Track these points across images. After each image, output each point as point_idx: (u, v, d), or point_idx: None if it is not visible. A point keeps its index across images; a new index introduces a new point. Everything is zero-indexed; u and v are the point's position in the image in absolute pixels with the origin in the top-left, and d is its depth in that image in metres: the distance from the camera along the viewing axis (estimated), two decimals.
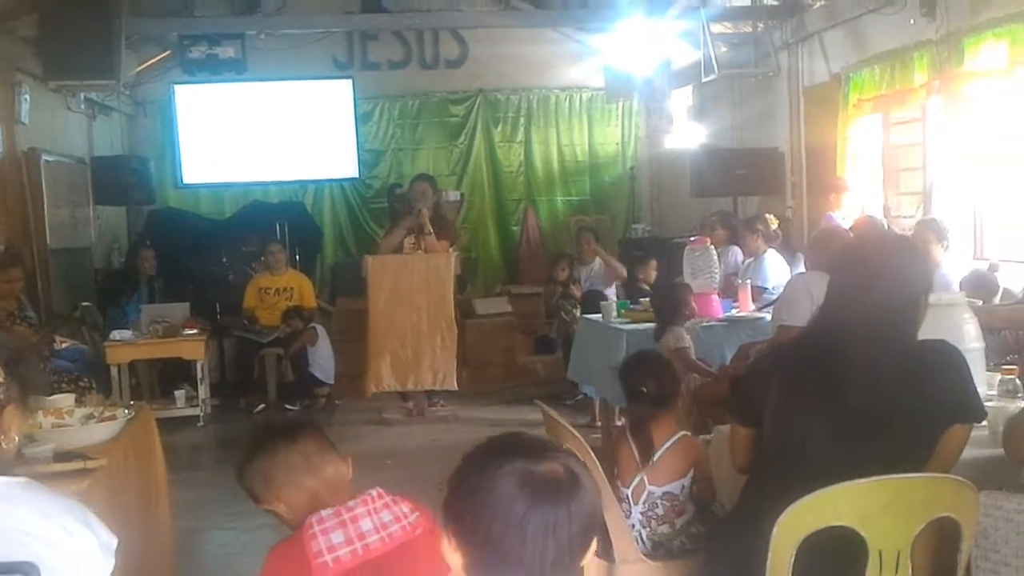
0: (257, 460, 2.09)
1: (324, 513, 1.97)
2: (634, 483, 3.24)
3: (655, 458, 3.22)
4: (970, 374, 2.51)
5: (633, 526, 3.22)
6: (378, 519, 1.99)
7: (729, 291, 6.62)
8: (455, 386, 7.35)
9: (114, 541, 1.75)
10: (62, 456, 2.99)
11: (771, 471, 2.55)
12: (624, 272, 8.04)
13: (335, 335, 8.55)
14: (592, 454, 3.07)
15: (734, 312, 6.22)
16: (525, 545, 1.29)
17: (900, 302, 2.47)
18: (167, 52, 10.42)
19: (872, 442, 2.40)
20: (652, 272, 7.16)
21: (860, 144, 7.54)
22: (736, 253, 7.49)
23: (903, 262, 2.55)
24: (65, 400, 3.66)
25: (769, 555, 2.25)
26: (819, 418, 2.44)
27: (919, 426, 2.43)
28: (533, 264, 11.29)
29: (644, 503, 3.22)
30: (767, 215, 7.64)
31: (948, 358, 2.49)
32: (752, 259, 7.13)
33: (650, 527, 3.22)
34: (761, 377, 2.60)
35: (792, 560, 2.24)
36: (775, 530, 2.23)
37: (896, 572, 2.25)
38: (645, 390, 3.29)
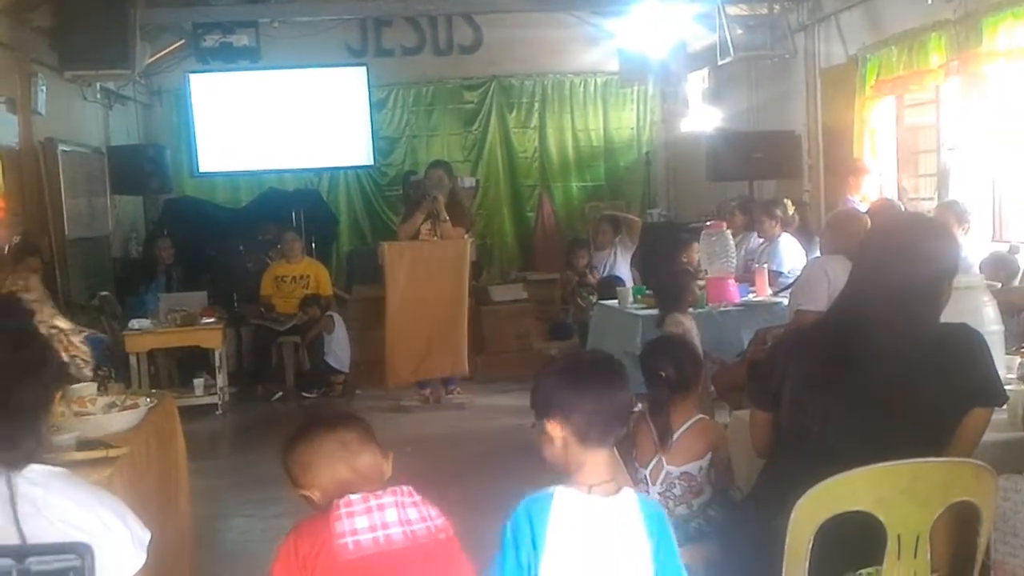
0: (298, 445, 2.10)
1: (353, 497, 1.98)
2: (652, 464, 3.26)
3: (673, 439, 3.23)
4: (991, 358, 2.50)
5: None
6: (404, 514, 1.99)
7: (749, 276, 6.60)
8: (466, 372, 7.40)
9: (147, 536, 1.76)
10: (85, 444, 3.01)
11: (790, 455, 2.54)
12: (639, 221, 8.01)
13: (351, 323, 8.58)
14: None
15: (751, 297, 6.21)
16: (594, 402, 2.06)
17: (925, 283, 2.46)
18: (181, 41, 10.44)
19: (893, 426, 2.39)
20: (695, 255, 7.17)
21: (878, 126, 7.49)
22: (755, 239, 7.46)
23: (930, 242, 2.54)
24: (88, 389, 3.69)
25: (787, 540, 2.25)
26: (839, 401, 2.43)
27: (941, 410, 2.42)
28: (548, 250, 11.28)
29: (662, 483, 3.23)
30: (784, 200, 7.61)
31: (970, 341, 2.48)
32: (767, 243, 7.11)
33: (667, 507, 3.22)
34: (781, 360, 2.60)
35: (810, 545, 2.24)
36: (793, 515, 2.23)
37: (915, 557, 2.24)
38: (664, 374, 3.29)
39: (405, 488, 2.03)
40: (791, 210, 7.50)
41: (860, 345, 2.44)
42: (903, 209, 5.87)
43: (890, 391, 2.40)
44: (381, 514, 1.96)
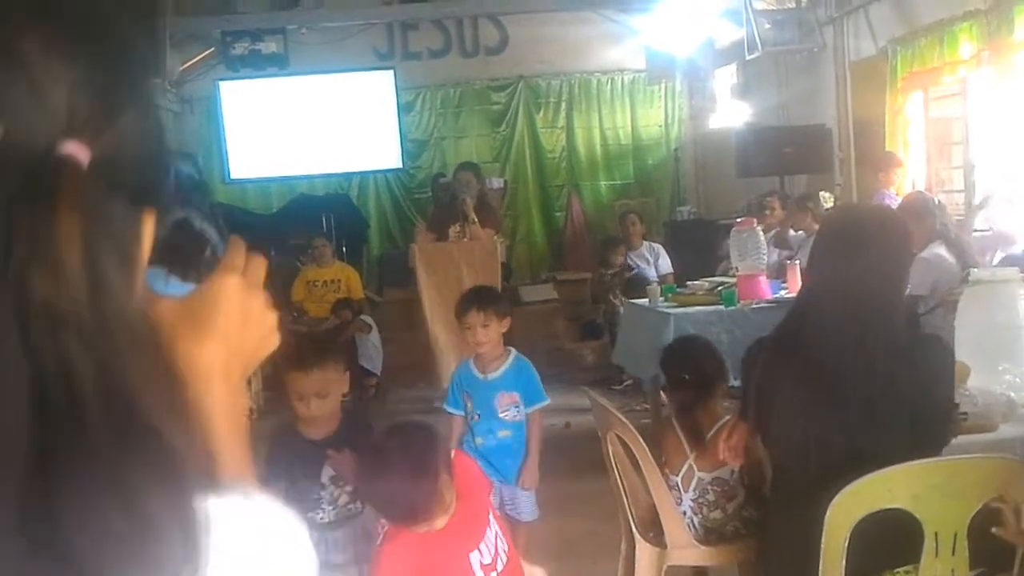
0: None
1: None
2: (683, 470, 3.21)
3: (703, 444, 3.20)
4: (951, 385, 2.45)
5: (685, 513, 3.20)
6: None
7: (782, 272, 6.54)
8: None
9: None
10: None
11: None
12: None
13: (383, 325, 8.61)
14: (640, 439, 3.07)
15: (783, 293, 6.14)
16: None
17: (870, 277, 2.41)
18: (211, 49, 10.54)
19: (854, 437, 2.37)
20: None
21: (910, 118, 7.42)
22: (791, 233, 7.39)
23: (870, 234, 2.49)
24: None
25: (823, 538, 2.24)
26: (798, 412, 2.42)
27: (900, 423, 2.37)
28: (578, 250, 11.26)
29: (694, 490, 3.19)
30: (824, 193, 7.53)
31: (938, 360, 2.43)
32: (807, 236, 7.05)
33: (702, 514, 3.19)
34: (745, 369, 2.63)
35: (846, 543, 2.22)
36: (828, 512, 2.22)
37: (953, 554, 2.22)
38: (688, 377, 3.26)
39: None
40: (830, 202, 7.41)
41: (815, 347, 2.42)
42: (936, 201, 5.79)
43: (847, 398, 2.36)
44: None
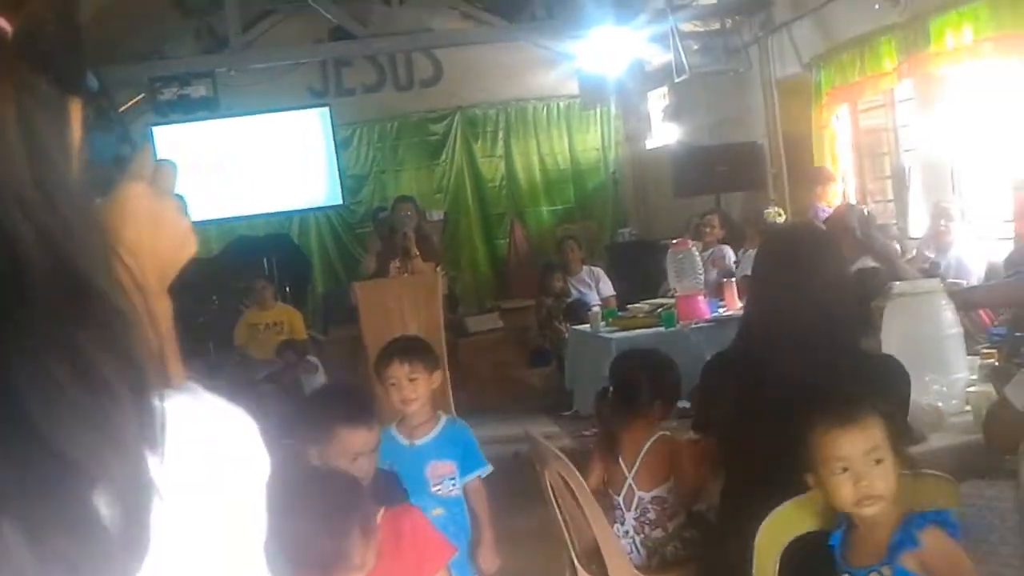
0: None
1: None
2: (624, 490, 3.23)
3: (637, 462, 3.21)
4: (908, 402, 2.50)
5: (627, 532, 3.21)
6: None
7: (719, 290, 6.60)
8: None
9: None
10: None
11: (729, 477, 2.57)
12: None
13: (329, 365, 8.52)
14: (578, 474, 3.06)
15: (722, 312, 6.20)
16: None
17: (814, 292, 2.47)
18: (141, 96, 10.41)
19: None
20: None
21: (837, 132, 7.56)
22: (727, 252, 7.46)
23: (806, 250, 2.56)
24: None
25: (753, 564, 2.24)
26: (753, 421, 2.45)
27: None
28: (523, 277, 11.25)
29: (636, 509, 3.21)
30: (775, 208, 7.63)
31: (894, 379, 2.48)
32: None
33: (644, 533, 3.21)
34: (704, 384, 2.65)
35: (776, 566, 2.23)
36: (757, 538, 2.23)
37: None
38: (619, 392, 3.27)
39: None
40: (781, 218, 7.48)
41: (768, 360, 2.46)
42: (865, 212, 5.87)
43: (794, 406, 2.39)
44: None
